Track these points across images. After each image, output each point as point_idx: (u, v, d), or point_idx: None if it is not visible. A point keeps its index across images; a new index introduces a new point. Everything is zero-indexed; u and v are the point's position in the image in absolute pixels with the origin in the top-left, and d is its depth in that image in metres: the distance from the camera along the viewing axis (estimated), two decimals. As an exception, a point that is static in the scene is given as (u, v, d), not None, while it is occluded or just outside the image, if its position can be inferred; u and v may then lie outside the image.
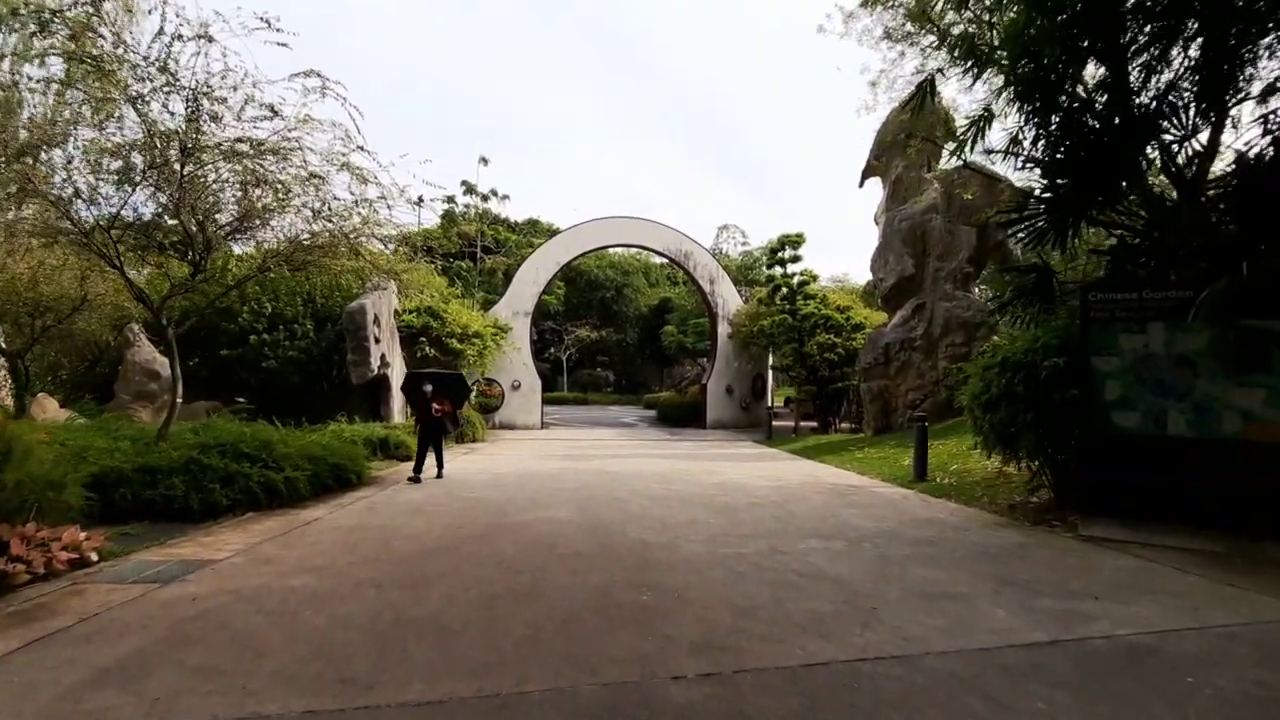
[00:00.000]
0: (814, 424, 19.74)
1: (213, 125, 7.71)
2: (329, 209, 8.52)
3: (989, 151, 11.44)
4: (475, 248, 25.68)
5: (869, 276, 18.84)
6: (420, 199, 27.47)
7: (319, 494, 8.33)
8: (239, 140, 7.92)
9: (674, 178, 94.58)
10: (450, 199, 24.61)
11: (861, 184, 16.32)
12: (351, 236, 9.05)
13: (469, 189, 24.61)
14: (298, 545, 5.74)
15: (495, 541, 5.86)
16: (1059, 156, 6.91)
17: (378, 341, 12.98)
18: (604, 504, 7.80)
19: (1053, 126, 6.87)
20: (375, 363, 12.68)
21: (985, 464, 9.93)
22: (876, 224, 16.17)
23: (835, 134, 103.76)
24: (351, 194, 8.88)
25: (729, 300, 23.91)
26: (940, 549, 5.57)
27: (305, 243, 8.96)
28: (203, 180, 8.13)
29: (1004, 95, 7.91)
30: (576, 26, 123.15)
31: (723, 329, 23.64)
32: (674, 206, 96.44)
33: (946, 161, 14.17)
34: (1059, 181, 6.97)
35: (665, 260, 55.74)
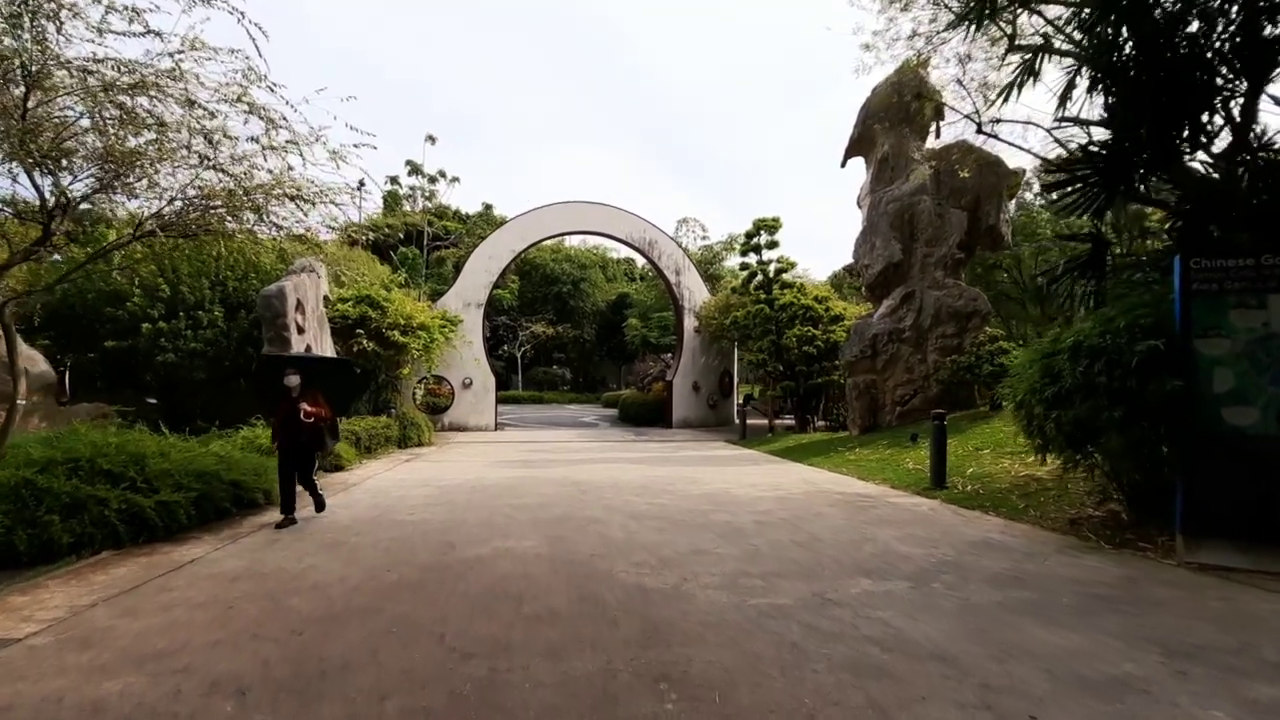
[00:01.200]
0: (789, 422, 18.55)
1: (58, 37, 5.82)
2: (222, 156, 6.68)
3: (995, 122, 10.30)
4: (423, 232, 23.55)
5: (830, 272, 17.74)
6: (361, 183, 25.24)
7: (209, 522, 6.51)
8: (97, 61, 6.05)
9: (629, 180, 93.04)
10: (394, 179, 22.45)
11: (844, 163, 15.16)
12: (256, 195, 7.21)
13: (414, 169, 22.51)
14: (147, 609, 4.00)
15: (436, 595, 4.23)
16: (1127, 100, 5.71)
17: (301, 331, 11.08)
18: (578, 528, 6.24)
19: (1125, 55, 5.65)
20: (298, 356, 10.79)
21: (1004, 467, 8.79)
22: (860, 208, 15.03)
23: (798, 138, 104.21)
24: (256, 143, 7.06)
25: (695, 292, 22.58)
26: (1035, 591, 4.23)
27: (194, 201, 7.08)
28: (49, 116, 6.22)
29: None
30: (530, 28, 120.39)
31: (689, 322, 22.30)
32: (630, 205, 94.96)
33: (958, 128, 13.07)
34: (1110, 139, 5.80)
35: (623, 255, 54.34)
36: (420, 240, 25.00)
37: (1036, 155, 8.78)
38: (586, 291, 45.48)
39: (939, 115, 14.26)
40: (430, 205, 22.90)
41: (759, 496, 8.03)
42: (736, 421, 24.43)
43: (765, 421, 18.92)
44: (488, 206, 24.47)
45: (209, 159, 6.57)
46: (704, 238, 40.30)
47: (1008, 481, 8.01)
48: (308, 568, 4.89)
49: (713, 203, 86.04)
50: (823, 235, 78.24)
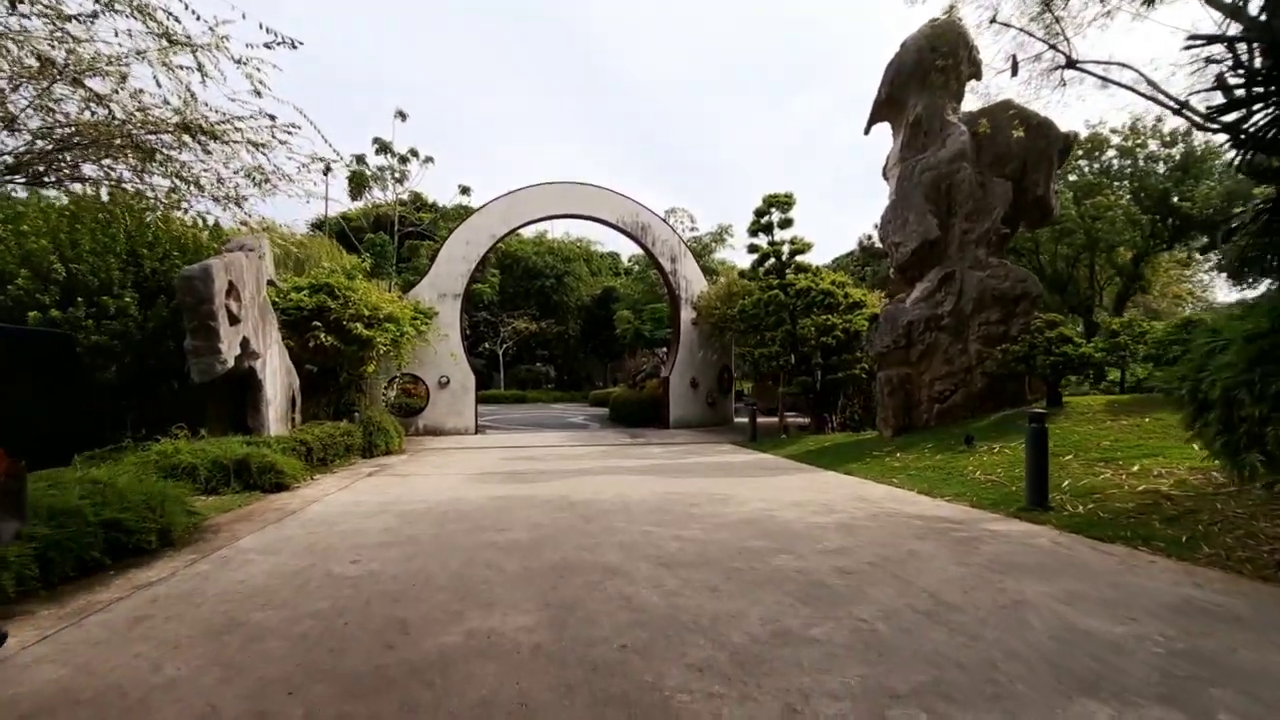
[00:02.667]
0: (802, 421, 16.85)
1: None
2: (78, 59, 4.73)
3: (1071, 65, 8.71)
4: (393, 212, 21.40)
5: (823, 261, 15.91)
6: (328, 167, 23.08)
7: (65, 582, 4.56)
8: None
9: (609, 179, 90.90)
10: (360, 159, 20.30)
11: (868, 129, 13.43)
12: (143, 124, 5.25)
13: (382, 147, 20.37)
14: None
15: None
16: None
17: (235, 322, 9.08)
18: (591, 586, 4.39)
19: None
20: (227, 351, 8.78)
21: (1108, 479, 7.09)
22: (886, 179, 13.32)
23: (776, 138, 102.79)
24: (141, 58, 5.10)
25: (693, 282, 20.78)
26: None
27: (53, 132, 5.11)
28: None
29: None
30: (510, 27, 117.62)
31: (686, 314, 20.50)
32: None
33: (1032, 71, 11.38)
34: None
35: (609, 249, 52.41)
36: (392, 229, 22.87)
37: (1153, 93, 7.07)
38: (570, 285, 43.52)
39: (977, 74, 12.61)
40: (402, 188, 20.75)
41: (816, 523, 6.24)
42: (737, 421, 22.75)
43: (775, 420, 17.19)
44: (465, 190, 22.37)
45: (52, 64, 4.60)
46: (693, 229, 38.51)
47: (1128, 499, 6.30)
48: (161, 684, 2.98)
49: (689, 202, 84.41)
50: (810, 234, 76.94)
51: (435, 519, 6.71)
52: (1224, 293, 27.41)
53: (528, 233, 48.69)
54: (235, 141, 5.61)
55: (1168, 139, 20.96)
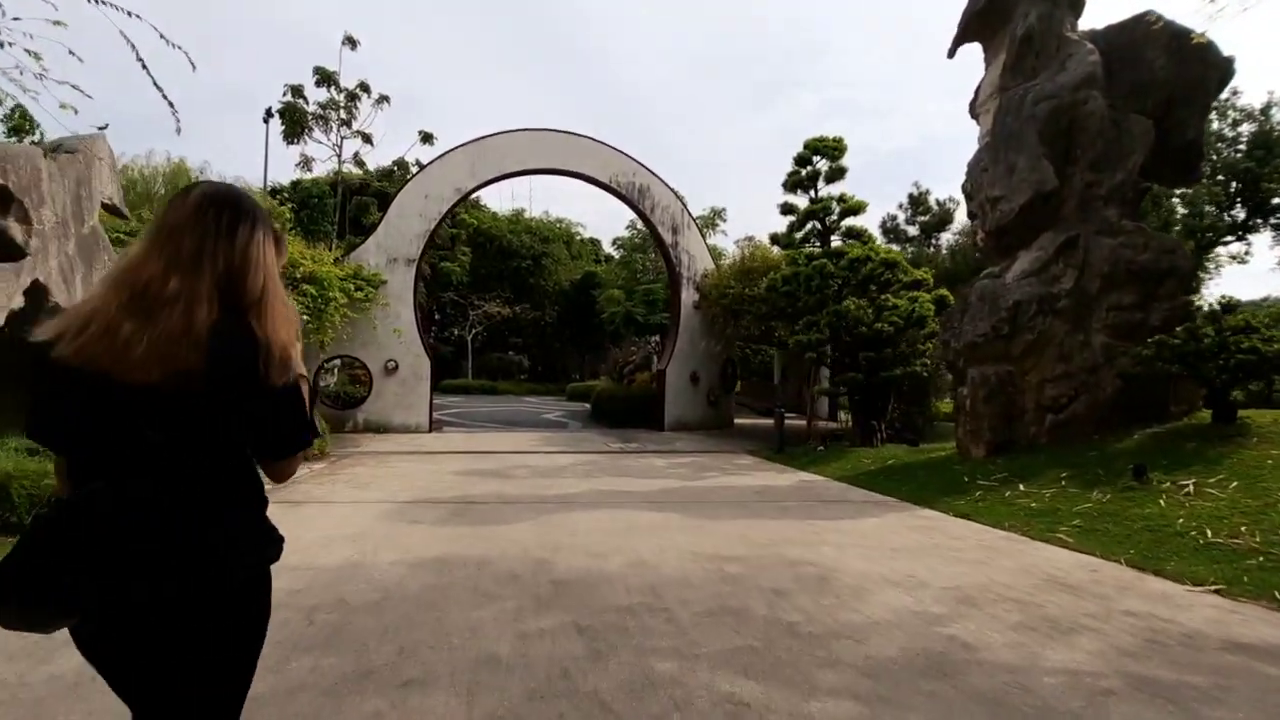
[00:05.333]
0: (830, 427, 13.76)
1: None
2: None
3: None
4: (337, 154, 17.63)
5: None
6: (269, 113, 19.22)
7: None
8: None
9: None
10: (296, 90, 16.56)
11: (953, 51, 10.31)
12: None
13: (324, 78, 16.63)
14: None
15: None
16: None
17: (27, 252, 5.61)
18: None
19: None
20: (-9, 299, 5.32)
21: None
22: (975, 117, 10.22)
23: (756, 139, 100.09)
24: None
25: (697, 258, 17.54)
26: None
27: None
28: None
29: None
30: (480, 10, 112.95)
31: (688, 295, 17.26)
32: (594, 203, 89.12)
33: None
34: None
35: (589, 235, 48.77)
36: (338, 188, 19.11)
37: None
38: (549, 268, 39.96)
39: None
40: (350, 131, 17.03)
41: (1058, 663, 3.04)
42: (738, 423, 19.64)
43: (769, 423, 14.05)
44: (427, 138, 18.65)
45: None
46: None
47: None
48: None
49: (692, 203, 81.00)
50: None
51: (297, 628, 3.36)
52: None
53: (504, 209, 45.03)
54: None
55: None
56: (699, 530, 5.84)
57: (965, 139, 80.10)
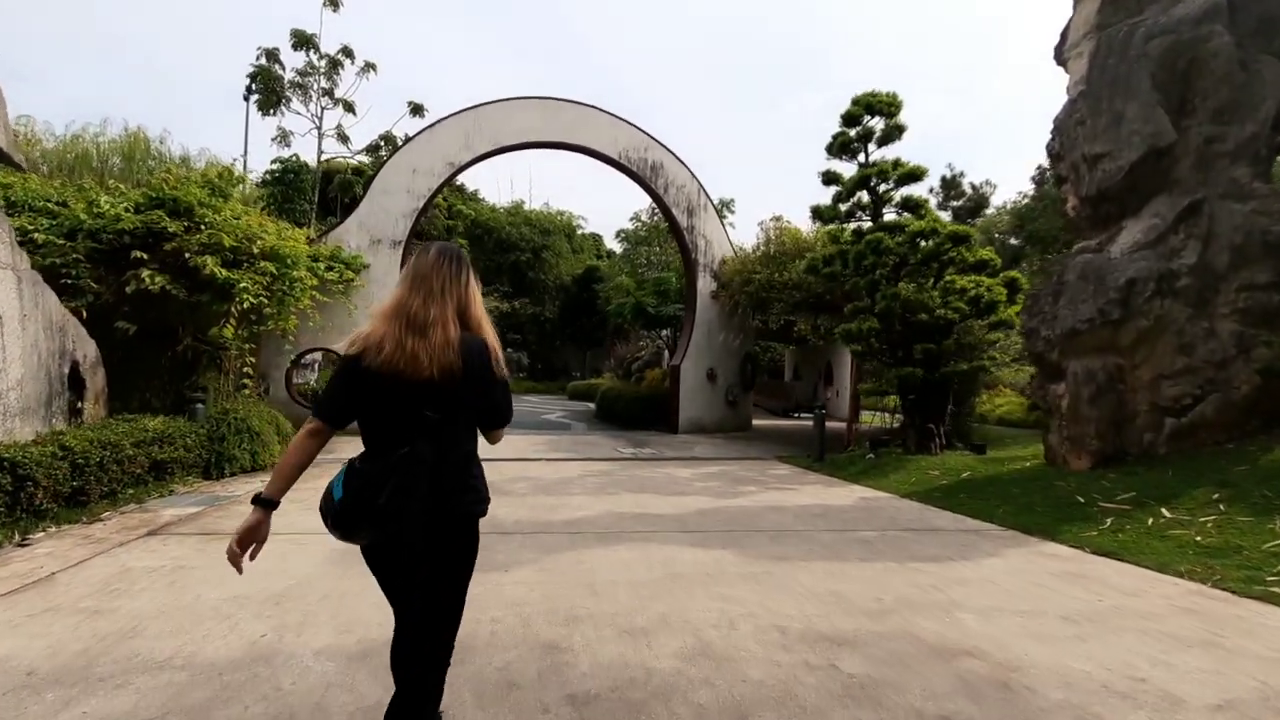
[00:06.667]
0: (870, 429, 12.11)
1: None
2: None
3: None
4: (316, 124, 15.91)
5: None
6: (250, 89, 17.43)
7: None
8: None
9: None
10: (270, 54, 14.84)
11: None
12: None
13: (301, 41, 14.91)
14: None
15: None
16: None
17: None
18: None
19: None
20: None
21: None
22: (1064, 63, 8.54)
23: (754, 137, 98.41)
24: None
25: (714, 243, 15.90)
26: None
27: None
28: None
29: None
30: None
31: (704, 284, 15.63)
32: (591, 198, 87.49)
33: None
34: None
35: (590, 229, 47.00)
36: (320, 168, 17.40)
37: None
38: (549, 262, 38.29)
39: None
40: (330, 102, 15.32)
41: None
42: (757, 424, 18.00)
43: (776, 420, 12.38)
44: (416, 109, 16.93)
45: None
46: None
47: None
48: None
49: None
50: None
51: None
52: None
53: (502, 201, 43.37)
54: None
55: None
56: (769, 582, 4.19)
57: (970, 131, 78.37)
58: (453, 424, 1.75)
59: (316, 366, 17.07)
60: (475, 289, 1.90)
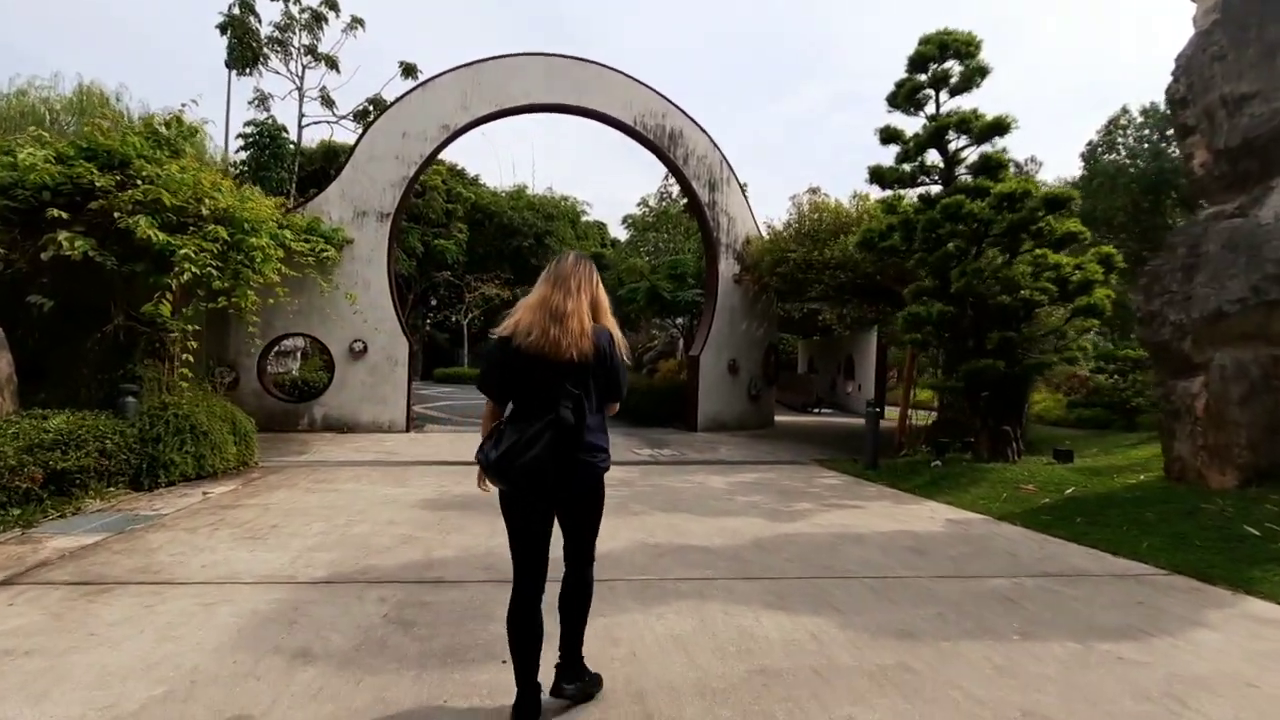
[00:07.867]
0: (909, 424, 10.62)
1: None
2: None
3: None
4: (295, 82, 14.34)
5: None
6: (231, 54, 15.84)
7: None
8: None
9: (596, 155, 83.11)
10: (245, 3, 13.27)
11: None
12: None
13: (279, -13, 13.33)
14: None
15: None
16: None
17: None
18: None
19: None
20: None
21: None
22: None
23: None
24: None
25: (738, 221, 14.37)
26: None
27: None
28: None
29: None
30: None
31: (726, 266, 14.12)
32: (594, 186, 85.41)
33: None
34: None
35: (594, 218, 45.38)
36: (300, 130, 15.83)
37: None
38: (553, 247, 36.64)
39: None
40: (312, 60, 13.74)
41: None
42: (778, 420, 16.49)
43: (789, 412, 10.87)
44: (409, 70, 15.35)
45: None
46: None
47: None
48: None
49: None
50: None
51: None
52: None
53: (504, 185, 41.78)
54: None
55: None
56: (912, 687, 2.69)
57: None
58: (587, 396, 2.23)
59: (300, 355, 15.55)
60: (601, 286, 2.40)
